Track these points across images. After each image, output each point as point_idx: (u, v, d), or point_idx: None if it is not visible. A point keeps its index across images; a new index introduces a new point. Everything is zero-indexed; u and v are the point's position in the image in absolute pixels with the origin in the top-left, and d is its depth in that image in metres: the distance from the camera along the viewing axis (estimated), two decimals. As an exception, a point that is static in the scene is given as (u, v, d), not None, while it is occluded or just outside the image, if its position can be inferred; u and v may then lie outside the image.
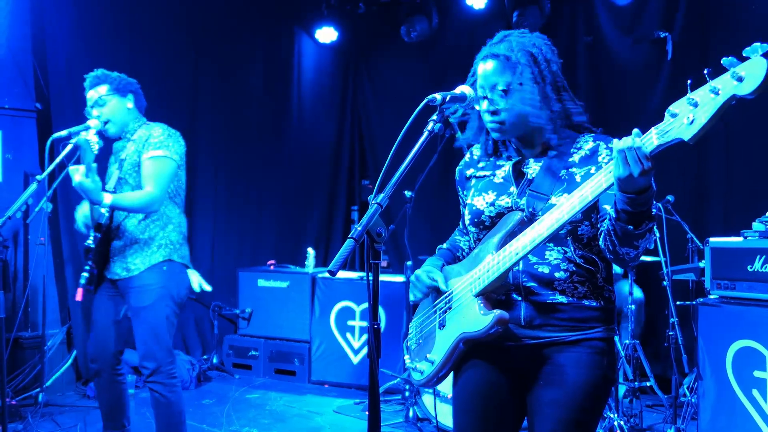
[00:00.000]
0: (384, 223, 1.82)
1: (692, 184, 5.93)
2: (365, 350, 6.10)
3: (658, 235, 4.68)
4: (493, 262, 2.08)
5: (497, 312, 2.05)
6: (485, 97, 2.15)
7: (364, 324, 6.15)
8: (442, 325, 2.25)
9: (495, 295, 2.13)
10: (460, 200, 2.45)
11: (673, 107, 1.63)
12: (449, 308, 2.23)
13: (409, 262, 5.05)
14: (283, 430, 5.07)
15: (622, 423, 4.34)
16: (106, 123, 3.74)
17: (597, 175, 1.84)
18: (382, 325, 5.92)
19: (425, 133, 1.99)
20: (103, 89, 3.76)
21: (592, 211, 2.05)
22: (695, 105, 1.58)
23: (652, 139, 1.68)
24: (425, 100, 1.99)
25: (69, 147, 3.73)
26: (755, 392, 3.86)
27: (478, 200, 2.25)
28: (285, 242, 7.94)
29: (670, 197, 4.84)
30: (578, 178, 2.09)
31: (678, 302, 4.73)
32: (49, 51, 5.88)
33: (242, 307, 6.78)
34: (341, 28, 7.91)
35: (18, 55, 5.66)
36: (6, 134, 5.58)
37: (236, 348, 6.75)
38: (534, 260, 2.10)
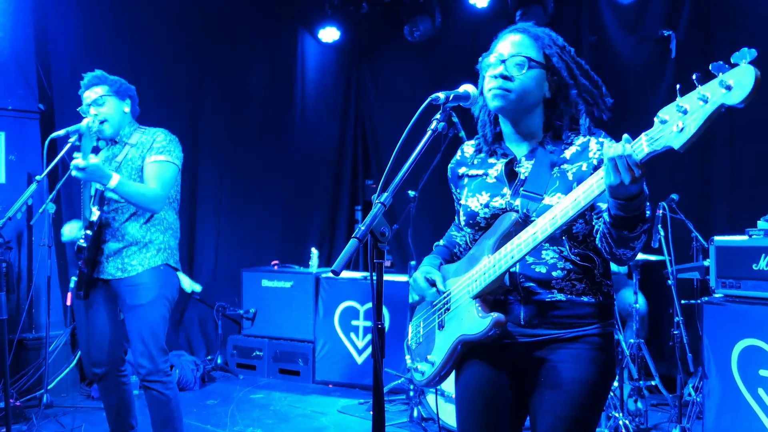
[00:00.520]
0: (388, 222, 1.82)
1: (697, 182, 5.91)
2: (369, 350, 6.10)
3: (662, 233, 4.67)
4: (489, 264, 2.08)
5: (494, 315, 2.05)
6: (503, 61, 2.12)
7: (368, 324, 6.14)
8: (441, 326, 2.25)
9: (492, 296, 2.13)
10: (454, 197, 2.44)
11: (663, 113, 1.60)
12: (447, 309, 2.23)
13: (412, 262, 5.04)
14: (287, 430, 5.07)
15: (627, 422, 4.33)
16: (102, 122, 3.73)
17: (589, 180, 1.82)
18: (386, 324, 5.94)
19: (429, 132, 1.98)
20: (101, 90, 3.76)
21: (587, 209, 2.04)
22: (684, 112, 1.55)
23: (642, 146, 1.65)
24: (428, 99, 1.98)
25: (68, 146, 3.73)
26: (761, 391, 3.85)
27: (472, 201, 2.24)
28: (288, 242, 7.94)
29: (674, 196, 4.83)
30: (570, 176, 2.09)
31: (683, 301, 4.71)
32: (51, 52, 5.89)
33: (246, 308, 6.78)
34: (344, 28, 7.90)
35: (21, 57, 5.66)
36: (9, 135, 5.59)
37: (240, 348, 6.75)
38: (531, 260, 2.10)
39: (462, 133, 2.36)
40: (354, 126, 8.60)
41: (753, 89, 1.44)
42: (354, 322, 6.24)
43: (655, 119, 1.62)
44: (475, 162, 2.33)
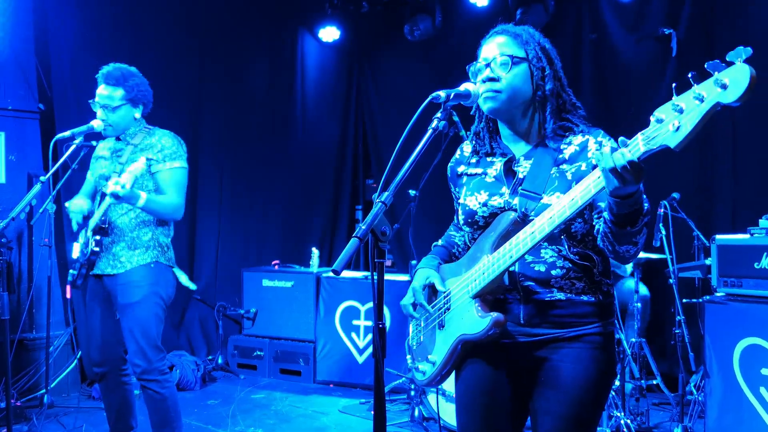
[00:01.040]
0: (388, 221, 1.81)
1: (698, 181, 5.90)
2: (370, 350, 6.09)
3: (663, 232, 4.67)
4: (488, 263, 2.08)
5: (494, 315, 2.05)
6: (487, 65, 2.15)
7: (369, 323, 6.13)
8: (441, 326, 2.25)
9: (492, 296, 2.13)
10: (453, 197, 2.44)
11: (659, 112, 1.60)
12: (448, 308, 2.23)
13: (413, 261, 5.04)
14: (288, 430, 5.06)
15: (628, 421, 4.32)
16: (108, 126, 3.72)
17: (586, 180, 1.82)
18: (387, 324, 5.93)
19: (429, 131, 1.98)
20: (117, 94, 3.71)
21: (585, 208, 2.03)
22: (680, 111, 1.54)
23: (638, 145, 1.64)
24: (429, 98, 1.97)
25: (72, 147, 3.73)
26: (762, 390, 3.84)
27: (471, 200, 2.24)
28: (289, 242, 7.93)
29: (675, 194, 4.83)
30: (569, 176, 2.09)
31: (684, 300, 4.71)
32: (52, 52, 5.89)
33: (247, 308, 6.78)
34: (344, 28, 7.90)
35: (21, 57, 5.66)
36: (9, 135, 5.58)
37: (241, 348, 6.74)
38: (530, 259, 2.10)
39: (463, 132, 2.36)
40: (354, 125, 8.59)
41: (748, 88, 1.43)
42: (355, 322, 6.23)
43: (651, 118, 1.61)
44: (474, 161, 2.33)
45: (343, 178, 8.58)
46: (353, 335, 6.23)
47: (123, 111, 3.73)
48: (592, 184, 1.80)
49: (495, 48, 2.16)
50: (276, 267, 6.94)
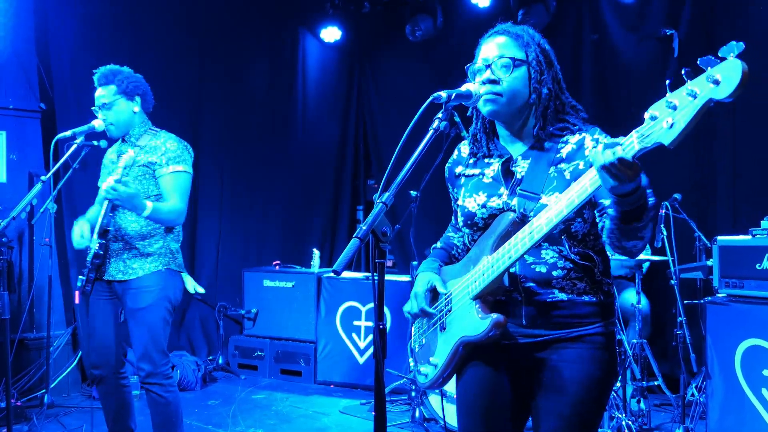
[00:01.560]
0: (390, 222, 1.80)
1: (700, 182, 5.89)
2: (371, 350, 6.09)
3: (665, 233, 4.66)
4: (487, 264, 2.07)
5: (494, 316, 2.05)
6: (488, 66, 2.13)
7: (370, 324, 6.13)
8: (443, 328, 2.25)
9: (493, 297, 2.12)
10: (451, 197, 2.44)
11: (652, 110, 1.59)
12: (449, 311, 2.22)
13: (414, 262, 5.03)
14: (289, 430, 5.06)
15: (630, 423, 4.32)
16: (110, 125, 3.72)
17: (582, 180, 1.81)
18: (388, 325, 5.93)
19: (430, 132, 1.96)
20: (109, 90, 3.72)
21: (584, 207, 2.03)
22: (674, 108, 1.53)
23: (633, 144, 1.62)
24: (430, 98, 1.96)
25: (73, 147, 3.73)
26: (764, 391, 3.84)
27: (470, 202, 2.23)
28: (290, 243, 7.93)
29: (677, 195, 4.82)
30: (567, 175, 2.08)
31: (686, 301, 4.70)
32: (52, 52, 5.89)
33: (248, 308, 6.77)
34: (345, 28, 7.90)
35: (22, 56, 5.66)
36: (10, 135, 5.58)
37: (242, 348, 6.74)
38: (530, 260, 2.09)
39: (464, 133, 2.36)
40: (355, 126, 8.59)
41: (740, 83, 1.42)
42: (356, 323, 6.23)
43: (645, 115, 1.60)
44: (472, 162, 2.33)
45: (344, 178, 8.58)
46: (354, 336, 6.23)
47: (119, 105, 3.73)
48: (588, 183, 1.79)
49: (495, 49, 2.15)
50: (277, 267, 6.93)
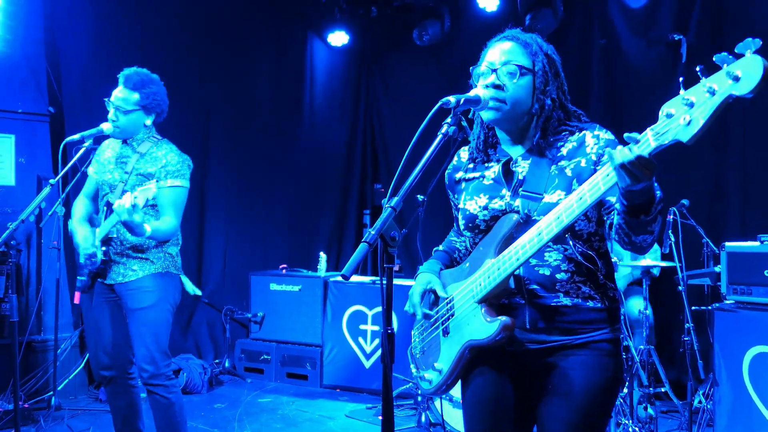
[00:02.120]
0: (397, 227, 1.80)
1: (708, 187, 5.87)
2: (377, 354, 6.09)
3: (673, 239, 4.65)
4: (493, 267, 2.05)
5: (502, 319, 2.03)
6: (494, 71, 2.12)
7: (376, 328, 6.13)
8: (446, 333, 2.23)
9: (497, 300, 2.10)
10: (452, 204, 2.43)
11: (668, 107, 1.57)
12: (452, 315, 2.20)
13: (421, 266, 5.02)
14: (294, 434, 5.06)
15: (636, 429, 4.30)
16: (116, 128, 3.73)
17: (595, 178, 1.79)
18: (395, 329, 5.92)
19: (439, 136, 1.96)
20: (131, 98, 3.69)
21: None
22: (691, 105, 1.52)
23: (649, 141, 1.61)
24: (439, 103, 1.96)
25: (82, 151, 3.74)
26: (772, 399, 3.82)
27: (471, 204, 2.22)
28: (297, 246, 7.94)
29: (685, 201, 4.81)
30: (568, 172, 2.07)
31: (693, 307, 4.68)
32: (61, 55, 5.92)
33: (254, 311, 6.78)
34: (353, 32, 7.91)
35: (31, 60, 5.69)
36: (19, 138, 5.61)
37: (248, 352, 6.74)
38: (534, 262, 2.07)
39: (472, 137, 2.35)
40: (363, 130, 8.59)
41: (762, 79, 1.41)
42: (362, 327, 6.23)
43: (660, 113, 1.58)
44: (471, 166, 2.32)
45: (351, 182, 8.58)
46: (360, 340, 6.22)
47: (134, 116, 3.72)
48: (601, 182, 1.77)
49: (502, 54, 2.14)
50: (283, 271, 6.94)
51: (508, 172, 2.19)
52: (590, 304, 2.08)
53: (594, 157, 2.05)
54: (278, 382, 6.54)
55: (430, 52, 7.55)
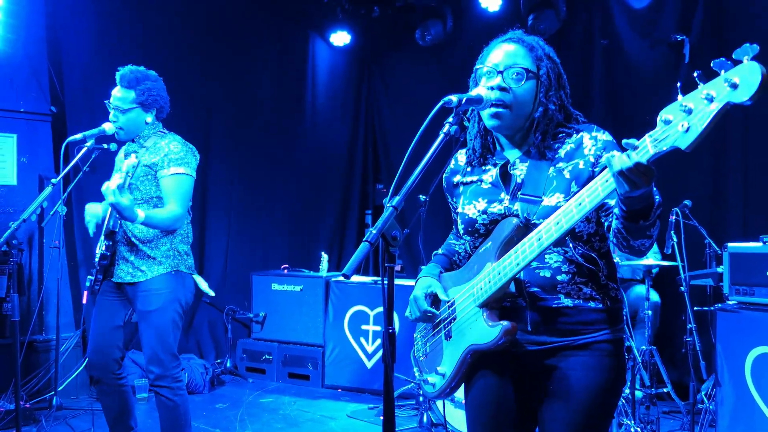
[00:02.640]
0: (399, 226, 1.80)
1: (710, 188, 5.87)
2: (379, 355, 6.08)
3: (675, 240, 4.64)
4: (494, 271, 2.04)
5: (504, 323, 2.02)
6: (499, 72, 2.11)
7: (378, 328, 6.12)
8: (448, 336, 2.23)
9: (498, 303, 2.10)
10: (451, 207, 2.42)
11: (665, 113, 1.56)
12: (454, 318, 2.20)
13: (422, 267, 5.01)
14: (296, 434, 5.06)
15: (638, 429, 4.29)
16: (119, 129, 3.72)
17: (595, 183, 1.79)
18: (397, 329, 5.91)
19: (441, 136, 1.95)
20: (128, 96, 3.70)
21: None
22: (689, 112, 1.51)
23: (647, 148, 1.60)
24: (441, 102, 1.95)
25: (83, 150, 3.74)
26: (775, 399, 3.81)
27: (470, 208, 2.22)
28: (299, 246, 7.94)
29: (687, 202, 4.80)
30: (567, 174, 2.07)
31: (696, 308, 4.68)
32: (64, 55, 5.92)
33: (256, 311, 6.78)
34: (355, 32, 7.90)
35: (33, 59, 5.69)
36: (21, 138, 5.60)
37: (250, 352, 6.74)
38: (535, 265, 2.06)
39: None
40: (365, 130, 8.60)
41: (760, 86, 1.40)
42: (364, 327, 6.22)
43: (658, 119, 1.58)
44: (469, 169, 2.31)
45: (353, 182, 8.59)
46: (362, 340, 6.22)
47: (133, 114, 3.72)
48: (600, 187, 1.77)
49: (507, 56, 2.13)
50: (285, 271, 6.94)
51: (506, 176, 2.18)
52: (591, 304, 2.07)
53: (592, 159, 2.05)
54: (280, 382, 6.53)
55: (432, 52, 7.55)
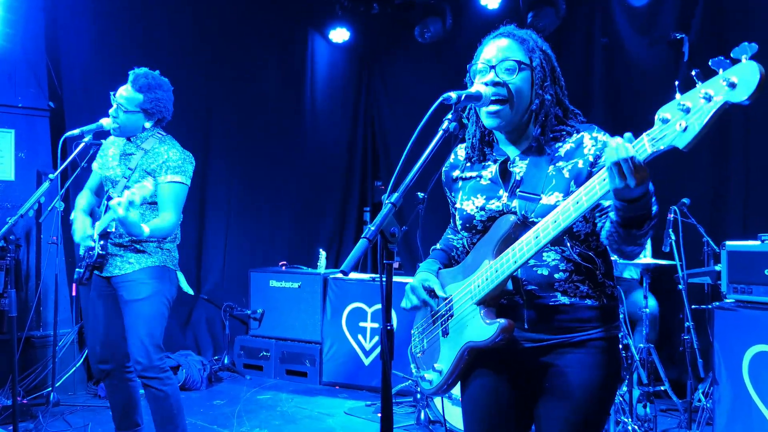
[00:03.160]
0: (397, 223, 1.79)
1: (709, 186, 5.87)
2: (376, 352, 6.08)
3: (673, 238, 4.64)
4: (491, 269, 2.04)
5: (501, 321, 2.02)
6: (492, 68, 2.11)
7: (376, 325, 6.12)
8: (445, 333, 2.22)
9: (495, 301, 2.09)
10: (449, 201, 2.41)
11: (663, 112, 1.56)
12: (451, 315, 2.19)
13: (420, 263, 5.00)
14: (294, 431, 5.05)
15: (636, 427, 4.30)
16: (116, 125, 3.72)
17: (592, 182, 1.78)
18: (395, 326, 5.91)
19: (440, 132, 1.95)
20: (134, 98, 3.70)
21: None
22: (687, 111, 1.50)
23: (645, 146, 1.60)
24: (440, 99, 1.95)
25: (81, 146, 3.74)
26: (772, 398, 3.81)
27: (468, 204, 2.21)
28: (297, 243, 7.94)
29: (685, 200, 4.80)
30: (566, 173, 2.06)
31: (693, 306, 4.68)
32: (62, 50, 5.90)
33: (254, 308, 6.77)
34: (354, 29, 7.90)
35: (31, 55, 5.68)
36: (19, 133, 5.60)
37: (247, 349, 6.74)
38: (532, 262, 2.06)
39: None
40: (364, 127, 8.59)
41: (758, 86, 1.40)
42: (361, 324, 6.22)
43: (656, 118, 1.57)
44: (469, 165, 2.30)
45: (352, 179, 8.58)
46: (360, 337, 6.22)
47: (134, 117, 3.73)
48: (598, 186, 1.76)
49: (499, 51, 2.13)
50: (283, 268, 6.93)
51: (505, 173, 2.18)
52: (588, 302, 2.07)
53: (591, 159, 2.05)
54: (277, 378, 6.53)
55: (431, 50, 7.55)
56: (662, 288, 5.67)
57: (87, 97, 5.86)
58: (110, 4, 6.13)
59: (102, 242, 3.69)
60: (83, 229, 3.76)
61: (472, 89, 2.06)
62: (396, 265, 7.70)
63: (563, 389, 2.06)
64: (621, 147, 1.64)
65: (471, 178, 2.27)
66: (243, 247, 7.47)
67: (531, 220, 2.02)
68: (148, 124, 3.78)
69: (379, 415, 1.84)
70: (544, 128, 2.12)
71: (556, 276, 2.06)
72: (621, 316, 2.91)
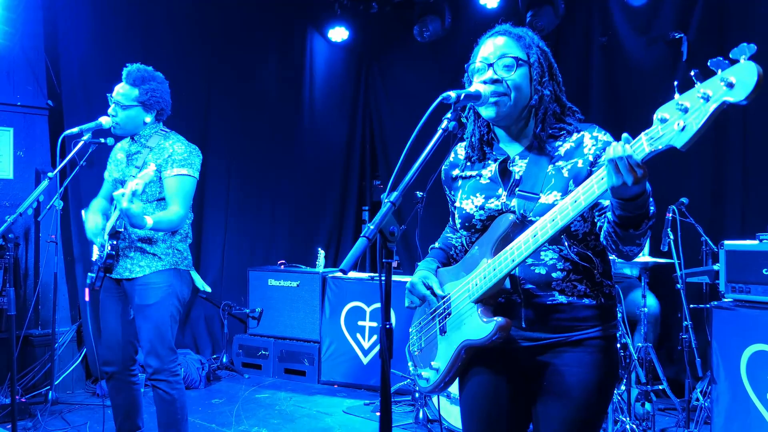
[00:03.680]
0: (396, 222, 1.80)
1: (707, 185, 5.87)
2: (375, 351, 6.09)
3: (672, 237, 4.64)
4: (489, 268, 2.04)
5: (498, 319, 2.02)
6: (490, 65, 2.12)
7: (374, 324, 6.13)
8: (443, 331, 2.22)
9: (493, 300, 2.10)
10: (448, 200, 2.42)
11: (662, 112, 1.56)
12: (449, 314, 2.19)
13: (419, 262, 5.01)
14: (292, 430, 5.05)
15: (634, 426, 4.30)
16: (116, 124, 3.72)
17: (590, 181, 1.79)
18: (393, 325, 5.91)
19: (439, 131, 1.94)
20: (130, 93, 3.70)
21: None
22: (685, 111, 1.51)
23: (643, 146, 1.61)
24: (439, 98, 1.95)
25: (80, 144, 3.74)
26: (770, 397, 3.82)
27: (467, 203, 2.21)
28: (295, 242, 7.93)
29: (684, 199, 4.81)
30: (565, 173, 2.07)
31: (692, 305, 4.68)
32: (61, 49, 5.90)
33: (252, 307, 6.78)
34: (354, 28, 7.90)
35: (30, 53, 5.67)
36: (17, 131, 5.60)
37: (246, 347, 6.74)
38: (530, 261, 2.06)
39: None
40: (362, 126, 8.59)
41: (756, 86, 1.41)
42: (360, 323, 6.22)
43: (654, 117, 1.58)
44: (469, 164, 2.30)
45: (351, 178, 8.58)
46: (358, 336, 6.22)
47: (133, 112, 3.72)
48: (596, 185, 1.77)
49: (496, 48, 2.13)
50: (282, 266, 6.94)
51: (504, 172, 2.18)
52: (586, 301, 2.07)
53: (591, 158, 2.05)
54: (276, 377, 6.54)
55: (430, 49, 7.55)
56: (661, 287, 5.68)
57: (86, 95, 5.86)
58: (109, 2, 6.13)
59: (112, 242, 3.68)
60: (95, 225, 3.74)
61: (471, 88, 2.06)
62: (395, 264, 7.69)
63: (561, 388, 2.07)
64: (618, 145, 1.65)
65: (471, 177, 2.27)
66: (241, 246, 7.47)
67: (529, 219, 2.02)
68: (148, 118, 3.77)
69: (378, 413, 1.84)
70: (544, 124, 2.12)
71: (554, 275, 2.06)
72: (619, 315, 2.92)
